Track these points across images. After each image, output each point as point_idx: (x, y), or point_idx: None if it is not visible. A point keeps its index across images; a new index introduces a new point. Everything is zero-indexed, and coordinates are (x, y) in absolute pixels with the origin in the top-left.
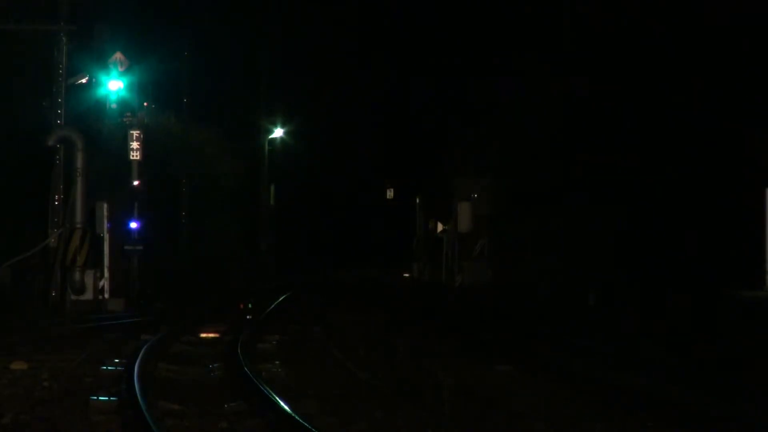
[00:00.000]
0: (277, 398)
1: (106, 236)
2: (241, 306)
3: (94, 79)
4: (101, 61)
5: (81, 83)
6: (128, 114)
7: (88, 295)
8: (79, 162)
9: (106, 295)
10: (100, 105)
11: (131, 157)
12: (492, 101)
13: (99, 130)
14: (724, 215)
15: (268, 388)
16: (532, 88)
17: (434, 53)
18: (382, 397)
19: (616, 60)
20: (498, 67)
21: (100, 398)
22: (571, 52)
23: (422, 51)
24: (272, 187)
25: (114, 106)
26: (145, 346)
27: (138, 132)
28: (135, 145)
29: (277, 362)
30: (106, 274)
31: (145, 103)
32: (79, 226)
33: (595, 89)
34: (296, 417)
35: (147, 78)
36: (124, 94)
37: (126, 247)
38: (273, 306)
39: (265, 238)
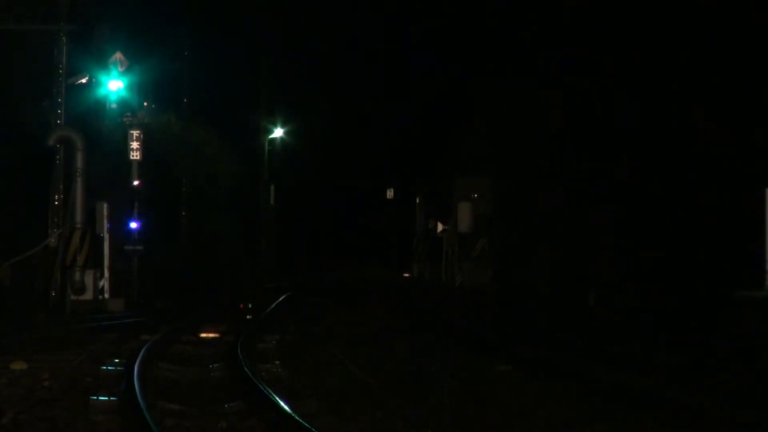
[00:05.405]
0: (277, 398)
1: (106, 236)
2: (241, 306)
3: (94, 79)
4: (101, 61)
5: (81, 83)
6: (128, 114)
7: (88, 295)
8: (79, 162)
9: (106, 295)
10: (100, 105)
11: (131, 157)
12: (492, 101)
13: (99, 130)
14: (724, 215)
15: (268, 388)
16: (532, 88)
17: (435, 53)
18: (382, 397)
19: (617, 60)
20: (499, 67)
21: (100, 398)
22: (572, 52)
23: (423, 51)
24: (272, 187)
25: (114, 106)
26: (145, 346)
27: (138, 132)
28: (135, 145)
29: (277, 362)
30: (106, 274)
31: (145, 103)
32: (79, 226)
33: (596, 88)
34: (296, 417)
35: (147, 78)
36: (124, 94)
37: (126, 247)
38: (273, 306)
39: (265, 238)
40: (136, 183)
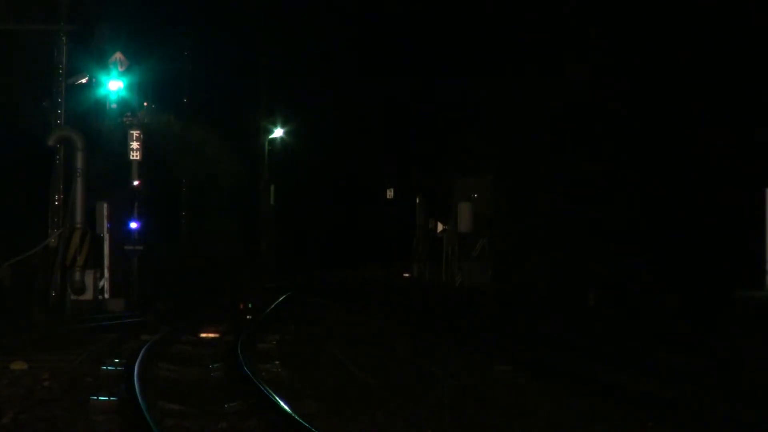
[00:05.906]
0: (277, 398)
1: (106, 236)
2: (241, 306)
3: (94, 79)
4: (101, 61)
5: (81, 83)
6: (128, 114)
7: (88, 295)
8: (79, 162)
9: (106, 295)
10: (100, 105)
11: (131, 157)
12: (493, 101)
13: (99, 130)
14: (724, 215)
15: (268, 388)
16: (532, 88)
17: (436, 53)
18: (382, 397)
19: (616, 59)
20: (499, 67)
21: (101, 398)
22: (571, 52)
23: (423, 51)
24: (272, 187)
25: (114, 106)
26: (145, 346)
27: (138, 132)
28: (135, 145)
29: (277, 362)
30: (106, 274)
31: (145, 103)
32: (79, 226)
33: (595, 88)
34: (296, 417)
35: (147, 78)
36: (124, 94)
37: (126, 247)
38: (273, 306)
39: (265, 238)
40: (136, 183)
